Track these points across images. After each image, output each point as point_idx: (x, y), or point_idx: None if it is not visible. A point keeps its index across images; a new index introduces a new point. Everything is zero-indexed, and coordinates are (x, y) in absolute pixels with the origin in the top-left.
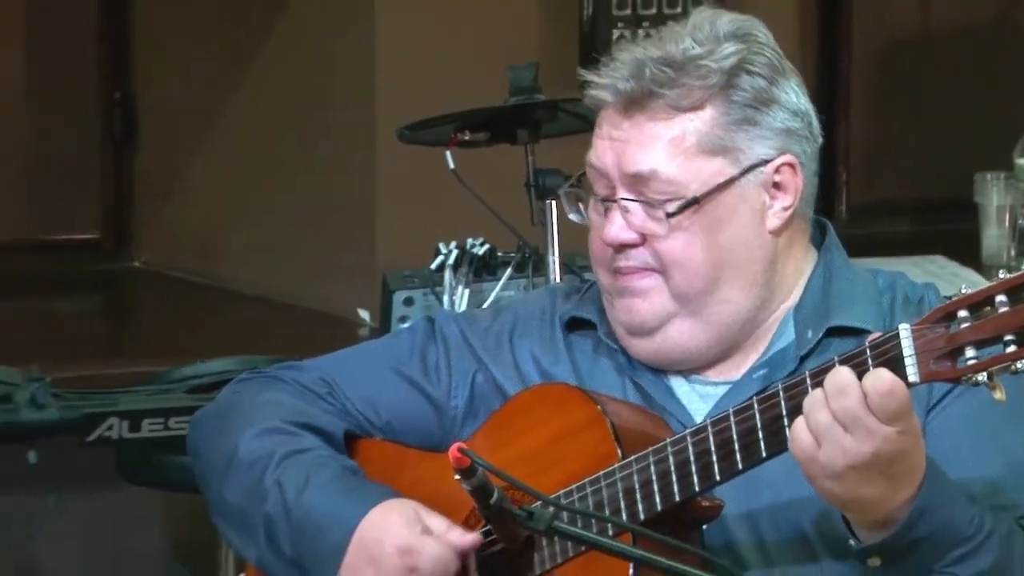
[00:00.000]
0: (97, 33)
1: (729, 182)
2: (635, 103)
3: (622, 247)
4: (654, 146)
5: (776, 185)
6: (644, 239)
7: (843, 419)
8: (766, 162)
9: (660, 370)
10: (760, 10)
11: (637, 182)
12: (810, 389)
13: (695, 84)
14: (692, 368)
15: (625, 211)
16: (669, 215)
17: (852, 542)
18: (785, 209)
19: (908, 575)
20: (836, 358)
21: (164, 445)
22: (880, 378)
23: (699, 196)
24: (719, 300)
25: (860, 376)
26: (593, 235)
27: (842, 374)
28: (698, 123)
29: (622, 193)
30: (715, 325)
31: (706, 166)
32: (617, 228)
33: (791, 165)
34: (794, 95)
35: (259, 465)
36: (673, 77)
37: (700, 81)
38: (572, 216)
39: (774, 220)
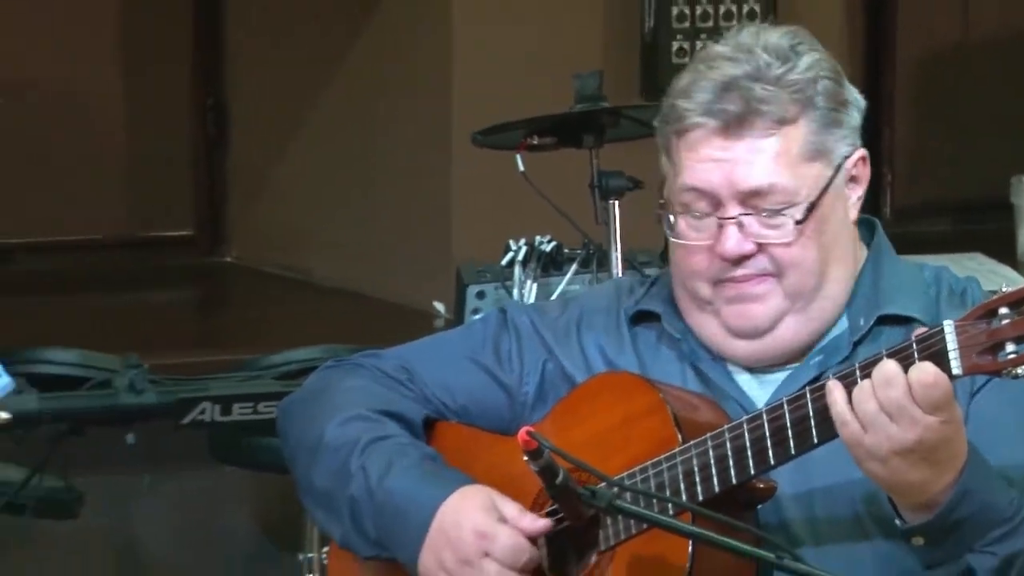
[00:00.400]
0: (192, 44)
1: (829, 183)
2: (740, 123)
3: (741, 259)
4: (764, 161)
5: (853, 178)
6: (759, 247)
7: (889, 408)
8: (846, 158)
9: (721, 357)
10: (810, 25)
11: (752, 196)
12: (859, 380)
13: (790, 98)
14: (770, 359)
15: (740, 225)
16: (798, 222)
17: (898, 522)
18: (859, 199)
19: (950, 553)
20: (884, 351)
21: (253, 428)
22: (924, 371)
23: (814, 200)
24: (824, 296)
25: (906, 368)
26: (689, 251)
27: (889, 366)
28: (797, 133)
29: (735, 209)
30: (816, 320)
31: (810, 171)
32: (736, 241)
33: (863, 158)
34: (855, 92)
35: (345, 450)
36: (774, 93)
37: (796, 94)
38: (670, 235)
39: (853, 211)
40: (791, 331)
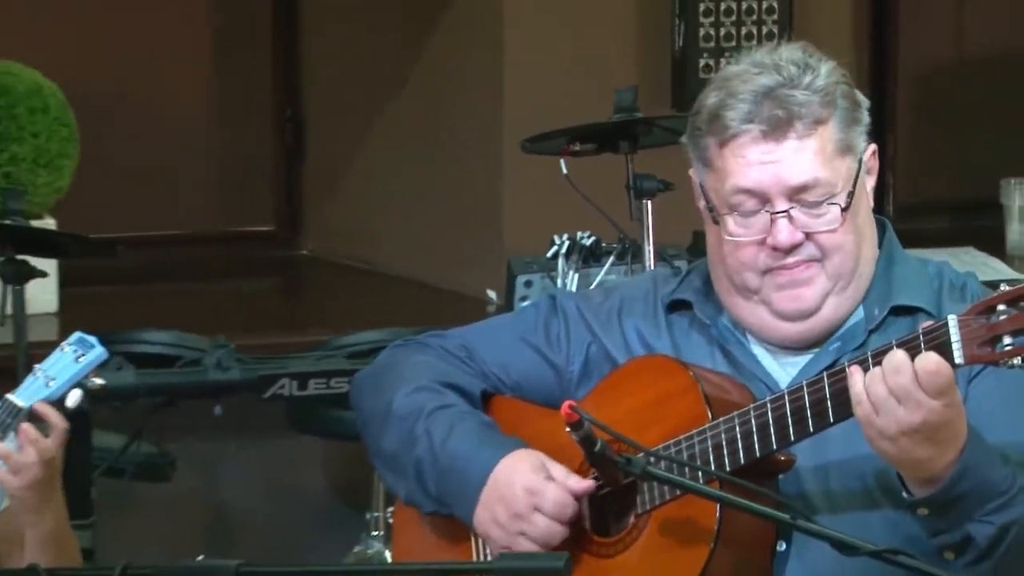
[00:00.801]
0: (271, 65)
1: (858, 173)
2: (782, 128)
3: (792, 248)
4: (807, 159)
5: (868, 169)
6: (806, 236)
7: (897, 393)
8: (864, 151)
9: (744, 340)
10: (821, 41)
11: (799, 191)
12: (871, 366)
13: (821, 101)
14: (800, 341)
15: (790, 218)
16: (844, 209)
17: (905, 495)
18: (872, 188)
19: (952, 523)
20: (895, 341)
21: (327, 401)
22: (929, 359)
23: (851, 189)
24: (858, 275)
25: (913, 357)
26: (739, 247)
27: (897, 356)
28: (829, 132)
29: (783, 204)
30: (850, 299)
31: (842, 164)
32: (788, 233)
33: (874, 151)
34: (863, 97)
35: (411, 418)
36: (809, 98)
37: (825, 98)
38: (729, 236)
39: (870, 199)
40: (831, 310)
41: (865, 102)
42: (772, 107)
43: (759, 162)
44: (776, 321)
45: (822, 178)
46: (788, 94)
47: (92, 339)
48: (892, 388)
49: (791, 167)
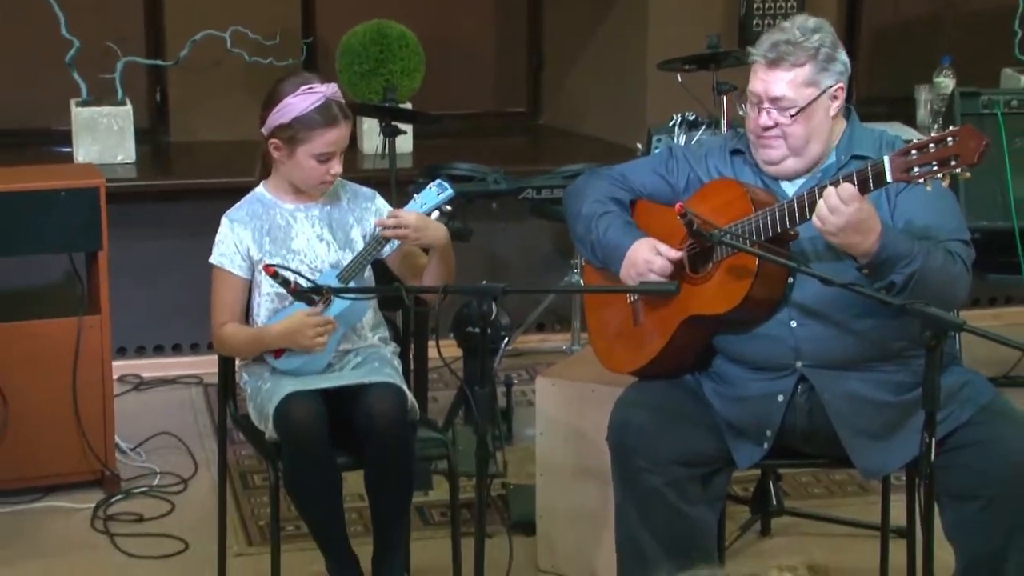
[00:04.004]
0: (526, 17)
1: (816, 99)
2: (774, 63)
3: (766, 128)
4: (783, 83)
5: (834, 96)
6: (776, 124)
7: (829, 206)
8: (831, 87)
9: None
10: (821, 11)
11: (774, 99)
12: (842, 182)
13: (802, 53)
14: (792, 176)
15: (768, 111)
16: (792, 116)
17: (854, 264)
18: (838, 108)
19: (883, 274)
20: (855, 170)
21: (550, 201)
22: (841, 186)
23: (803, 106)
24: (808, 150)
25: (860, 181)
26: (751, 120)
27: (828, 195)
28: (802, 71)
29: (766, 104)
30: (804, 160)
31: (805, 92)
32: (764, 119)
33: (841, 87)
34: (843, 55)
35: (590, 217)
36: (793, 50)
37: (805, 52)
38: (740, 111)
39: (832, 111)
40: (791, 166)
41: (842, 60)
42: (774, 50)
43: (760, 79)
44: (763, 164)
45: (788, 96)
46: (785, 45)
47: (447, 184)
48: (827, 207)
49: (773, 85)
